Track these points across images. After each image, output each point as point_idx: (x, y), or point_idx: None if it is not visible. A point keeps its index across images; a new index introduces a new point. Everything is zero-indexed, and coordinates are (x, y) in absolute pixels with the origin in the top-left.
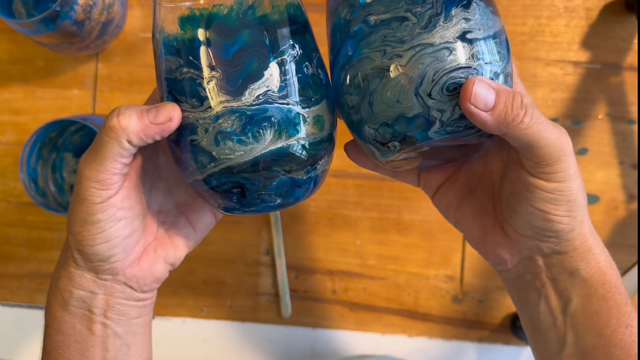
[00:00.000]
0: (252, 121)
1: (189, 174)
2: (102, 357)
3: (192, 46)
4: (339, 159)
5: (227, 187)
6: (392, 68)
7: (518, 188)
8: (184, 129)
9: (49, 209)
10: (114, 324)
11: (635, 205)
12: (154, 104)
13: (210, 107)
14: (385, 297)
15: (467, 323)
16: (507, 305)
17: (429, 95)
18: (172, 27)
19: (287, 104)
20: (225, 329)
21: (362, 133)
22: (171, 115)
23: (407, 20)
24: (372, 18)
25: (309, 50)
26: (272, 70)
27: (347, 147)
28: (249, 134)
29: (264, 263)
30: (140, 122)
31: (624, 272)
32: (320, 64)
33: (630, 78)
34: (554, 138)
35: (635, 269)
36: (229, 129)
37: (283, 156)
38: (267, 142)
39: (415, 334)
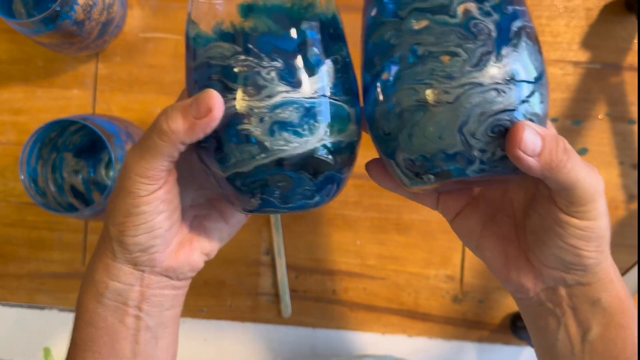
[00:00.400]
0: (309, 113)
1: (228, 167)
2: (131, 349)
3: (254, 34)
4: None
5: (273, 180)
6: (437, 104)
7: (548, 222)
8: (234, 118)
9: (49, 209)
10: (147, 317)
11: (635, 205)
12: (194, 97)
13: (268, 96)
14: (385, 297)
15: (467, 323)
16: (507, 305)
17: (473, 135)
18: (229, 14)
19: (339, 101)
20: (225, 329)
21: (396, 160)
22: (210, 105)
23: (458, 56)
24: (420, 49)
25: (349, 55)
26: (328, 67)
27: (370, 167)
28: (305, 126)
29: (264, 263)
30: (186, 122)
31: (624, 272)
32: (353, 71)
33: (630, 78)
34: (590, 180)
35: (635, 269)
36: (286, 120)
37: (332, 152)
38: (321, 136)
39: (415, 334)
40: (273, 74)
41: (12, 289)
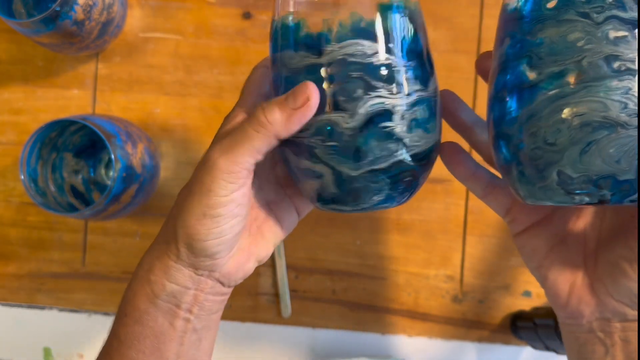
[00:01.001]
0: (433, 112)
1: (362, 164)
2: (176, 351)
3: (394, 34)
4: None
5: (404, 175)
6: (627, 126)
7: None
8: (376, 115)
9: (48, 209)
10: (196, 320)
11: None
12: (290, 92)
13: (408, 94)
14: (385, 297)
15: (467, 323)
16: (507, 305)
17: None
18: (368, 12)
19: (439, 99)
20: (225, 329)
21: (546, 172)
22: (308, 94)
23: None
24: (617, 62)
25: None
26: (433, 66)
27: (447, 149)
28: (431, 124)
29: (264, 263)
30: (283, 113)
31: None
32: None
33: None
34: None
35: None
36: (420, 117)
37: (436, 149)
38: (437, 134)
39: (415, 334)
40: (410, 73)
41: (12, 288)
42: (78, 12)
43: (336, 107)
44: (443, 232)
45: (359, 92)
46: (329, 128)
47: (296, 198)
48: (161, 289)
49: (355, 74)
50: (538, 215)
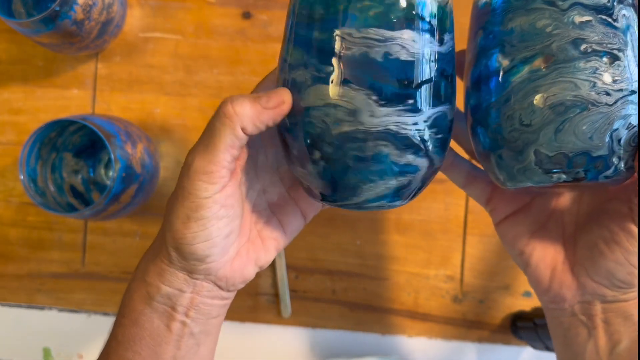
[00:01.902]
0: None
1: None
2: (172, 355)
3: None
4: None
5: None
6: (597, 104)
7: (618, 238)
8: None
9: (48, 209)
10: (193, 323)
11: None
12: (265, 91)
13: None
14: (385, 297)
15: (467, 323)
16: (507, 305)
17: (619, 141)
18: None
19: None
20: (225, 329)
21: (524, 153)
22: (283, 98)
23: (620, 60)
24: (584, 45)
25: None
26: None
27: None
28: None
29: None
30: (253, 108)
31: None
32: None
33: None
34: None
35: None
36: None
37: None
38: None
39: (415, 334)
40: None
41: (12, 289)
42: (78, 12)
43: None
44: (443, 232)
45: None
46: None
47: (302, 201)
48: (156, 291)
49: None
50: (518, 204)
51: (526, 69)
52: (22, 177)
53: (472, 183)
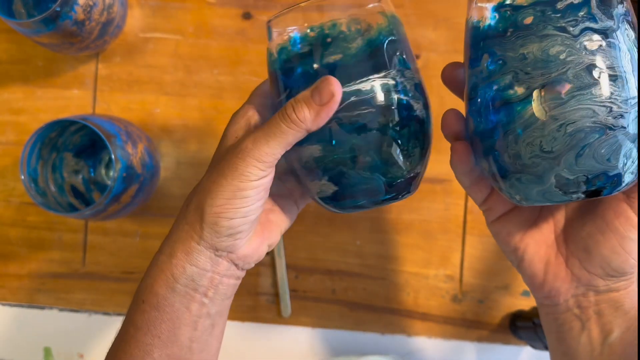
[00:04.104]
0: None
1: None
2: (189, 336)
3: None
4: None
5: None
6: (615, 128)
7: (613, 225)
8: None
9: (49, 209)
10: (210, 304)
11: None
12: (314, 87)
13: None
14: (384, 296)
15: (467, 323)
16: (506, 305)
17: (629, 158)
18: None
19: None
20: (225, 328)
21: (544, 177)
22: (332, 90)
23: (628, 82)
24: (596, 71)
25: None
26: None
27: (457, 149)
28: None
29: (264, 263)
30: (311, 110)
31: None
32: None
33: None
34: None
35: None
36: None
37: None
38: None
39: (414, 333)
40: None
41: (12, 288)
42: (78, 13)
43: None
44: (443, 232)
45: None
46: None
47: (294, 192)
48: (181, 272)
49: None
50: (512, 204)
51: (544, 97)
52: (22, 177)
53: (477, 184)
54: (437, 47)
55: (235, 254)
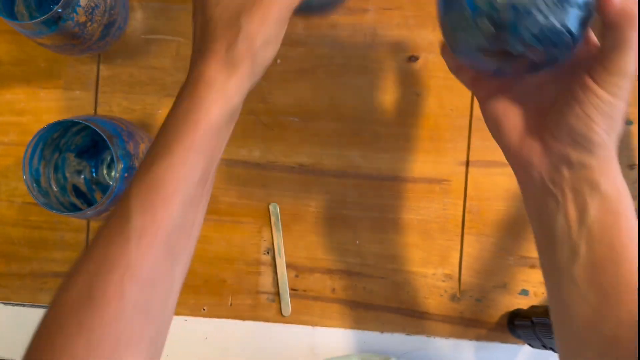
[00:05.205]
0: None
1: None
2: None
3: None
4: (339, 159)
5: None
6: None
7: (575, 92)
8: None
9: (51, 209)
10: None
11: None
12: None
13: None
14: (384, 295)
15: (465, 321)
16: (504, 303)
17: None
18: None
19: None
20: (225, 327)
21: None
22: None
23: None
24: None
25: None
26: None
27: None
28: None
29: (264, 262)
30: None
31: None
32: None
33: None
34: (635, 61)
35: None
36: None
37: None
38: None
39: (413, 332)
40: None
41: (15, 288)
42: (80, 14)
43: None
44: (441, 232)
45: None
46: None
47: None
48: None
49: None
50: (499, 84)
51: None
52: (25, 177)
53: (460, 69)
54: (436, 48)
55: (259, 65)
